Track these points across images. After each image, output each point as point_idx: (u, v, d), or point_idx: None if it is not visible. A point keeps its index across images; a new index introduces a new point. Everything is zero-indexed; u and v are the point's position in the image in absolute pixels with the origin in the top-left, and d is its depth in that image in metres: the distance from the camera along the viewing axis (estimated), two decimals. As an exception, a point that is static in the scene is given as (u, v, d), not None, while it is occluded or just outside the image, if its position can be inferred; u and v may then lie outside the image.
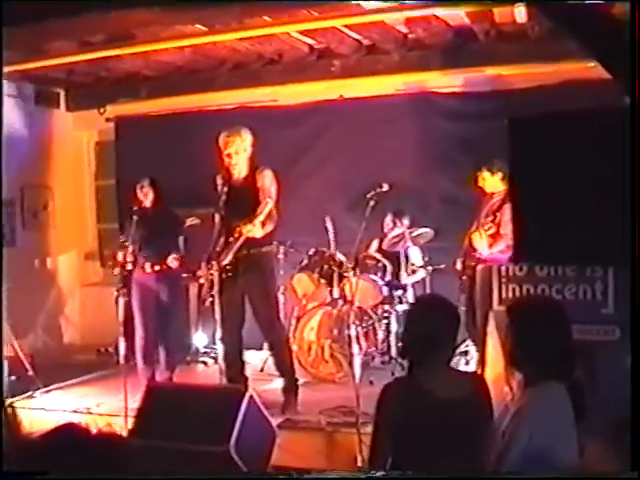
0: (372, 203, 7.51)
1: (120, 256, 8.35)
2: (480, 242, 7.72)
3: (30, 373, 8.72)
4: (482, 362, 6.92)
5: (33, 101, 11.34)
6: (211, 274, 7.29)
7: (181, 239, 8.66)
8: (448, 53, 9.46)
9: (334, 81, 10.17)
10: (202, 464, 5.68)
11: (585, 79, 7.98)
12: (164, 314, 8.51)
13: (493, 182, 7.87)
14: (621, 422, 4.28)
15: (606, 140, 4.33)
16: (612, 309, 5.83)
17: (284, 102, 10.70)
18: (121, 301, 7.62)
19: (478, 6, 7.84)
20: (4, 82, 10.08)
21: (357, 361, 6.80)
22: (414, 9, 7.84)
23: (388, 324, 9.07)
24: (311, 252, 9.13)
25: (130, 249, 8.34)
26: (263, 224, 7.35)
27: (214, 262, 7.29)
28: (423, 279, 9.33)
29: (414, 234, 9.10)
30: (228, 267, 7.44)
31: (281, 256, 9.17)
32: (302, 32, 8.99)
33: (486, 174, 7.88)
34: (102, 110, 11.50)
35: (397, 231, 9.23)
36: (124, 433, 6.28)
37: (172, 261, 8.35)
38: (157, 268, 8.40)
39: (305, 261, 9.18)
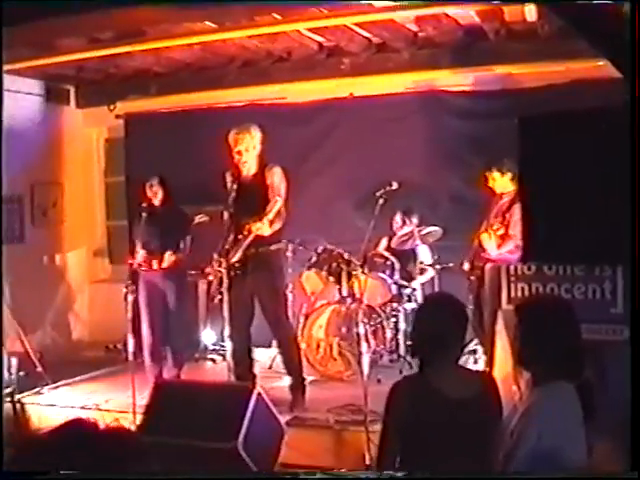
0: (381, 201, 7.52)
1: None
2: (489, 242, 7.72)
3: (39, 369, 8.74)
4: (490, 361, 6.92)
5: (43, 98, 11.35)
6: (220, 271, 7.30)
7: (188, 238, 8.65)
8: (458, 52, 9.44)
9: (344, 79, 10.17)
10: (210, 461, 5.69)
11: (595, 78, 7.97)
12: (171, 311, 8.53)
13: (503, 182, 7.85)
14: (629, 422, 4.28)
15: (615, 139, 4.32)
16: (621, 309, 5.82)
17: (293, 100, 10.69)
18: (130, 298, 7.63)
19: (488, 5, 7.84)
20: (14, 78, 10.12)
21: (365, 359, 6.79)
22: (424, 7, 7.84)
23: (397, 322, 9.06)
24: (320, 250, 9.12)
25: (138, 246, 8.36)
26: (271, 222, 7.35)
27: (223, 259, 7.29)
28: (432, 278, 9.32)
29: (423, 232, 9.09)
30: (237, 265, 7.45)
31: (290, 254, 9.15)
32: (312, 30, 8.99)
33: (496, 174, 7.86)
34: (112, 107, 11.50)
35: (406, 229, 9.23)
36: (132, 429, 6.29)
37: (169, 257, 8.37)
38: (164, 265, 8.42)
39: (314, 259, 9.16)
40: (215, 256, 7.44)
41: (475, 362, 8.36)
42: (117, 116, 11.54)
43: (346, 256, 8.83)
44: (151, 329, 8.47)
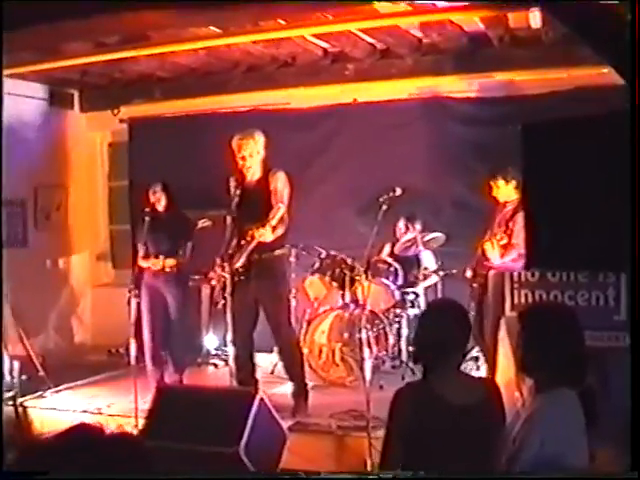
0: (385, 207, 7.50)
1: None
2: (492, 252, 7.71)
3: (41, 373, 8.75)
4: (493, 368, 6.92)
5: (47, 102, 11.36)
6: (223, 276, 7.30)
7: (189, 243, 8.64)
8: (462, 58, 9.45)
9: (348, 85, 10.18)
10: (212, 466, 5.69)
11: (599, 85, 7.97)
12: (173, 316, 8.53)
13: (507, 191, 7.83)
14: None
15: (619, 146, 4.31)
16: (624, 316, 5.82)
17: (297, 105, 10.70)
18: (133, 302, 7.64)
19: (491, 11, 7.84)
20: (18, 82, 10.14)
21: (368, 365, 6.78)
22: (429, 13, 7.85)
23: (399, 328, 9.07)
24: (323, 255, 9.12)
25: (141, 251, 8.37)
26: (274, 228, 7.35)
27: (226, 264, 7.29)
28: (435, 284, 9.32)
29: (426, 238, 9.09)
30: (240, 270, 7.46)
31: (293, 259, 9.15)
32: (316, 35, 9.00)
33: (500, 182, 7.84)
34: (116, 111, 11.52)
35: (409, 235, 9.23)
36: (137, 434, 6.29)
37: (168, 261, 8.38)
38: (161, 268, 8.42)
39: (317, 264, 9.17)
40: (218, 261, 7.45)
41: (477, 369, 8.36)
42: (121, 120, 11.55)
43: (349, 262, 8.83)
44: (152, 334, 8.47)
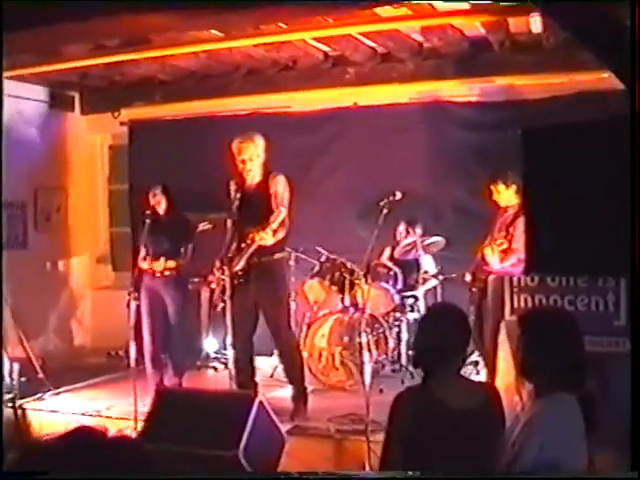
0: (385, 211, 7.50)
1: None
2: (492, 257, 7.71)
3: (40, 375, 8.75)
4: (492, 372, 6.91)
5: (48, 104, 11.37)
6: (223, 279, 7.30)
7: (190, 245, 8.64)
8: (463, 62, 9.46)
9: (348, 88, 10.19)
10: (211, 469, 5.69)
11: (599, 90, 7.97)
12: (172, 319, 8.53)
13: (507, 195, 7.83)
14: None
15: (619, 151, 4.32)
16: (624, 321, 5.82)
17: (298, 109, 10.70)
18: (133, 305, 7.63)
19: (493, 15, 7.85)
20: (19, 84, 10.14)
21: (367, 369, 6.79)
22: (430, 18, 7.85)
23: (399, 332, 9.07)
24: (323, 259, 9.13)
25: (141, 253, 8.37)
26: (275, 232, 7.36)
27: (226, 267, 7.29)
28: (434, 288, 9.33)
29: (426, 242, 9.10)
30: (240, 273, 7.46)
31: (292, 263, 9.15)
32: (317, 39, 9.01)
33: (501, 187, 7.84)
34: (116, 114, 11.53)
35: (410, 239, 9.23)
36: (131, 435, 6.29)
37: (167, 263, 8.38)
38: (160, 269, 8.42)
39: (317, 268, 9.18)
40: (218, 264, 7.45)
41: (477, 373, 8.35)
42: (121, 123, 11.56)
43: (349, 265, 8.83)
44: (152, 336, 8.48)
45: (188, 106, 11.01)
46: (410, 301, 9.22)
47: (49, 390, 8.62)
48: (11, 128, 9.69)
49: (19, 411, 8.11)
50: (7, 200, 9.54)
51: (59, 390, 8.75)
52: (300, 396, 7.83)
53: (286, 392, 8.06)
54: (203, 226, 9.31)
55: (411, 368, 8.46)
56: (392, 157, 9.85)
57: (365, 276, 8.08)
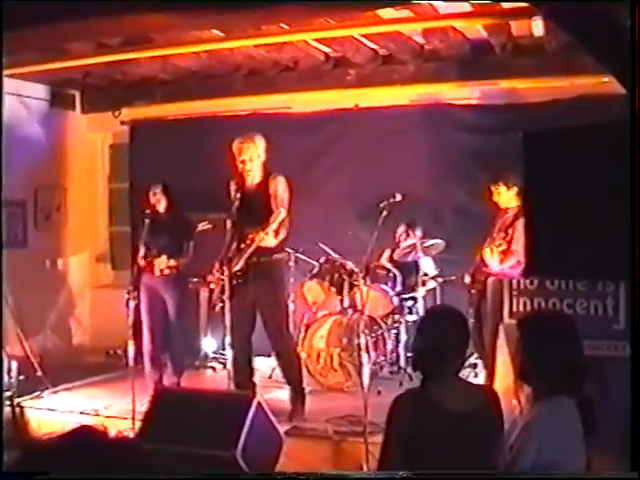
0: (385, 213, 7.51)
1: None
2: (491, 258, 7.72)
3: (39, 373, 8.75)
4: (491, 375, 6.92)
5: (49, 102, 11.36)
6: (222, 279, 7.30)
7: (191, 243, 8.64)
8: (464, 65, 9.45)
9: (349, 90, 10.18)
10: (208, 469, 5.69)
11: (600, 94, 7.98)
12: (172, 318, 8.53)
13: (508, 197, 7.84)
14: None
15: (620, 155, 4.32)
16: (623, 325, 5.82)
17: (299, 110, 10.70)
18: (131, 304, 7.63)
19: (495, 17, 7.86)
20: (20, 82, 10.14)
21: (366, 370, 6.77)
22: (431, 20, 7.85)
23: (397, 334, 9.07)
24: (322, 260, 9.13)
25: (141, 252, 8.37)
26: (276, 233, 7.37)
27: (225, 268, 7.29)
28: (434, 291, 9.32)
29: (425, 245, 9.10)
30: (239, 273, 7.45)
31: (292, 264, 9.15)
32: (318, 40, 9.01)
33: (502, 188, 7.85)
34: (117, 113, 11.52)
35: (409, 241, 9.23)
36: (131, 436, 6.29)
37: (167, 261, 8.37)
38: (162, 267, 8.41)
39: (316, 269, 9.18)
40: (217, 264, 7.46)
41: (475, 376, 8.36)
42: (122, 122, 11.55)
43: (348, 267, 8.83)
44: (152, 335, 8.48)
45: (189, 106, 11.02)
46: (409, 303, 9.22)
47: (47, 388, 8.62)
48: (12, 126, 9.68)
49: (17, 409, 8.11)
50: (7, 198, 9.53)
51: (57, 388, 8.75)
52: (298, 397, 7.82)
53: (284, 393, 8.06)
54: (202, 226, 9.30)
55: (409, 370, 8.46)
56: (392, 159, 9.85)
57: (364, 278, 8.08)
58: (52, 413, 8.10)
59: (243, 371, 7.69)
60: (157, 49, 8.61)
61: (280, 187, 7.64)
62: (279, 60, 9.98)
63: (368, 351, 7.19)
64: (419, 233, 9.26)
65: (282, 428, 6.57)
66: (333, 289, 9.03)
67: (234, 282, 7.35)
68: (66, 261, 11.74)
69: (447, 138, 9.83)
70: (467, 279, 8.18)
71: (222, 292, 7.33)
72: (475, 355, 8.25)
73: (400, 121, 9.96)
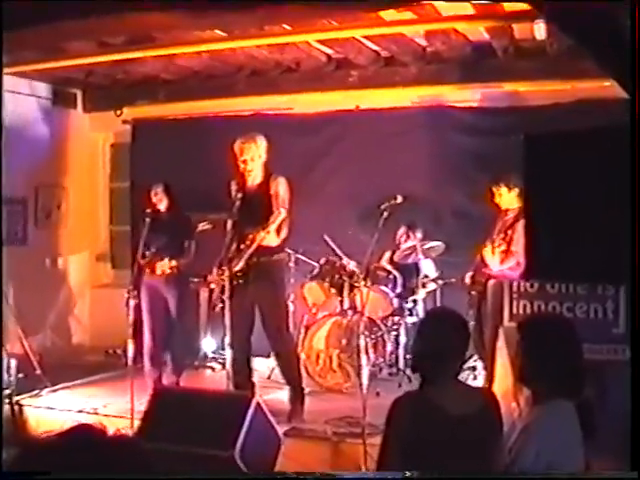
0: (385, 214, 7.50)
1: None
2: (491, 258, 7.73)
3: (38, 372, 8.75)
4: (490, 378, 6.92)
5: (50, 101, 11.37)
6: (222, 279, 7.30)
7: (193, 243, 8.64)
8: (466, 67, 9.46)
9: (351, 91, 10.18)
10: (207, 469, 5.69)
11: (601, 98, 7.98)
12: (172, 318, 8.53)
13: (509, 198, 7.85)
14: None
15: (621, 159, 4.32)
16: (623, 329, 5.83)
17: (300, 110, 10.71)
18: (131, 303, 7.63)
19: (497, 20, 7.86)
20: (22, 81, 10.15)
21: (365, 372, 6.78)
22: (434, 22, 7.86)
23: (397, 336, 9.07)
24: (322, 261, 9.14)
25: (141, 252, 8.36)
26: (278, 232, 7.38)
27: (225, 268, 7.29)
28: (434, 293, 9.32)
29: (426, 247, 9.10)
30: (239, 274, 7.45)
31: (292, 264, 9.16)
32: (321, 41, 9.01)
33: (503, 189, 7.86)
34: (119, 112, 11.52)
35: (410, 243, 9.23)
36: (129, 434, 6.28)
37: (169, 263, 8.37)
38: (165, 270, 8.41)
39: (316, 270, 9.19)
40: (217, 264, 7.46)
41: (474, 378, 8.35)
42: (124, 121, 11.55)
43: (349, 268, 8.83)
44: (152, 335, 8.48)
45: (191, 106, 11.03)
46: (409, 305, 9.22)
47: (46, 387, 8.62)
48: (13, 124, 9.69)
49: (16, 407, 8.12)
50: (8, 196, 9.54)
51: (56, 387, 8.75)
52: (297, 398, 7.82)
53: (283, 394, 8.06)
54: (203, 226, 9.30)
55: (409, 372, 8.45)
56: (394, 161, 9.85)
57: (364, 279, 8.08)
58: (51, 412, 8.10)
59: (242, 371, 7.69)
60: (160, 48, 8.62)
61: (281, 188, 7.64)
62: (281, 61, 9.98)
63: (367, 353, 7.19)
64: (419, 235, 9.26)
65: (281, 429, 6.57)
66: (333, 290, 9.04)
67: (234, 282, 7.35)
68: (66, 260, 11.75)
69: (448, 140, 9.84)
70: (467, 280, 8.19)
71: (222, 292, 7.33)
72: (475, 357, 8.25)
73: (401, 123, 9.96)
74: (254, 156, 7.62)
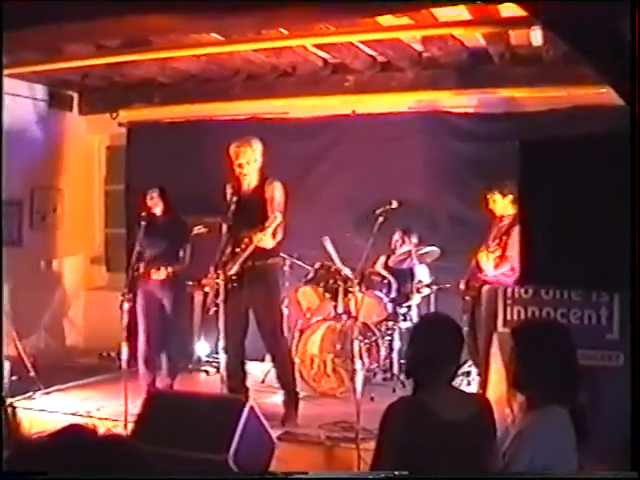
0: (381, 219, 7.50)
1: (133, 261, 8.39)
2: (486, 263, 7.74)
3: (32, 374, 8.73)
4: (484, 383, 6.92)
5: (46, 103, 11.36)
6: (217, 283, 7.30)
7: (188, 247, 8.63)
8: (462, 73, 9.47)
9: (347, 96, 10.19)
10: (200, 473, 5.68)
11: (597, 104, 8.00)
12: (167, 321, 8.53)
13: (503, 205, 7.87)
14: (624, 448, 4.27)
15: (615, 165, 4.33)
16: (617, 335, 5.83)
17: (296, 115, 10.71)
18: (126, 306, 7.63)
19: (494, 26, 7.87)
20: (18, 82, 10.14)
21: (359, 377, 6.78)
22: (430, 27, 7.86)
23: (391, 341, 9.07)
24: (317, 266, 9.13)
25: (136, 255, 8.35)
26: (273, 236, 7.37)
27: (220, 271, 7.29)
28: (428, 298, 9.31)
29: (421, 252, 9.09)
30: (234, 277, 7.46)
31: (287, 268, 9.16)
32: (317, 46, 9.02)
33: (497, 196, 7.88)
34: (115, 115, 11.52)
35: (405, 248, 9.23)
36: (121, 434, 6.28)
37: (166, 270, 8.36)
38: (162, 277, 8.41)
39: (311, 274, 9.19)
40: (212, 268, 7.46)
41: (469, 384, 8.35)
42: (120, 124, 11.55)
43: (343, 273, 8.83)
44: (147, 338, 8.47)
45: (187, 109, 11.03)
46: (403, 310, 9.21)
47: (40, 389, 8.60)
48: (9, 126, 9.68)
49: (9, 409, 8.10)
50: (3, 198, 9.52)
51: (50, 389, 8.74)
52: (291, 402, 7.82)
53: (277, 398, 8.06)
54: (198, 230, 9.30)
55: (403, 377, 8.46)
56: (389, 166, 9.86)
57: (359, 284, 8.08)
58: (44, 414, 8.09)
59: (236, 375, 7.69)
60: (156, 51, 8.61)
61: (276, 192, 7.64)
62: (278, 65, 9.99)
63: (361, 357, 7.20)
64: (414, 240, 9.25)
65: (275, 433, 6.57)
66: (327, 295, 9.04)
67: (229, 286, 7.36)
68: (61, 262, 11.74)
69: (444, 145, 9.84)
70: (462, 286, 8.19)
71: (216, 296, 7.33)
72: (469, 363, 8.25)
73: (398, 128, 9.97)
74: (249, 160, 7.62)
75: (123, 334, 7.59)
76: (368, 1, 5.60)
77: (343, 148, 10.30)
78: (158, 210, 8.61)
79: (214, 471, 5.74)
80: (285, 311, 8.72)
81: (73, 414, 7.93)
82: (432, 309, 9.25)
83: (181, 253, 8.57)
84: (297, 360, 8.54)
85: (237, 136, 7.80)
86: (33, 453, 1.72)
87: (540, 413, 3.77)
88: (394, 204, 7.70)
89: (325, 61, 9.90)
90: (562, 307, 6.01)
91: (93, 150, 12.19)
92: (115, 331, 8.07)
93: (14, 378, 8.45)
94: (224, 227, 7.66)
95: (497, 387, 5.89)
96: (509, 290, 6.37)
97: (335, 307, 8.99)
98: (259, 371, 9.17)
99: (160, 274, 8.36)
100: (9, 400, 8.13)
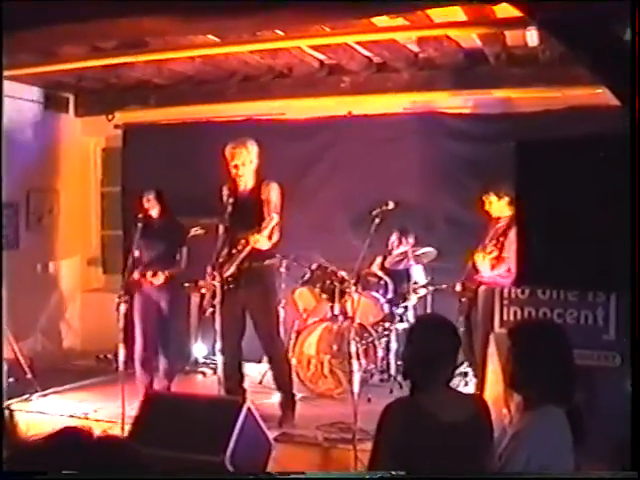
0: (377, 220, 7.51)
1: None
2: (482, 264, 7.73)
3: (29, 376, 8.73)
4: (481, 384, 6.92)
5: (42, 105, 11.35)
6: (213, 285, 7.30)
7: (184, 250, 8.63)
8: (458, 74, 9.47)
9: (343, 97, 10.18)
10: (197, 474, 5.68)
11: (593, 105, 8.01)
12: (164, 323, 8.52)
13: (499, 206, 7.87)
14: (620, 448, 4.28)
15: (612, 166, 4.33)
16: (613, 335, 5.84)
17: (292, 116, 10.71)
18: (122, 308, 7.62)
19: (490, 27, 7.87)
20: (14, 85, 10.12)
21: (356, 378, 6.78)
22: (426, 28, 7.86)
23: (388, 342, 9.06)
24: (314, 267, 9.13)
25: (132, 257, 8.34)
26: (270, 237, 7.37)
27: (217, 273, 7.29)
28: (424, 299, 9.31)
29: (417, 253, 9.10)
30: (230, 279, 7.45)
31: (283, 270, 9.16)
32: (313, 47, 9.01)
33: (493, 198, 7.88)
34: (110, 117, 11.51)
35: (401, 249, 9.23)
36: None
37: (163, 274, 8.36)
38: (159, 281, 8.40)
39: (307, 275, 9.18)
40: (209, 269, 7.45)
41: (466, 384, 8.36)
42: (115, 126, 11.54)
43: (340, 274, 8.83)
44: (144, 339, 8.46)
45: (183, 111, 11.01)
46: (399, 311, 9.21)
47: (37, 391, 8.60)
48: (4, 128, 9.66)
49: (6, 412, 8.09)
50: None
51: (47, 391, 8.73)
52: (288, 403, 7.83)
53: (274, 399, 8.06)
54: (195, 231, 9.30)
55: (400, 378, 8.45)
56: (385, 166, 9.86)
57: (355, 285, 8.08)
58: (41, 416, 8.09)
59: (233, 376, 7.69)
60: (152, 53, 8.60)
61: (273, 193, 7.64)
62: (274, 66, 9.98)
63: (358, 358, 7.18)
64: (411, 241, 9.26)
65: (272, 434, 6.58)
66: (324, 296, 9.03)
67: (225, 287, 7.35)
68: (57, 264, 11.72)
69: (440, 146, 9.84)
70: (458, 287, 8.19)
71: (213, 297, 7.33)
72: (466, 364, 8.25)
73: (393, 129, 9.96)
74: (245, 161, 7.62)
75: (120, 336, 7.57)
76: (364, 2, 5.60)
77: (339, 149, 10.30)
78: (154, 212, 8.61)
79: (211, 472, 5.74)
80: (282, 312, 8.71)
81: (70, 416, 7.94)
82: (429, 310, 9.26)
83: (177, 255, 8.56)
84: (294, 361, 8.55)
85: (233, 137, 7.80)
86: (30, 456, 1.73)
87: (537, 413, 3.77)
88: (390, 205, 7.70)
89: (321, 62, 9.90)
90: (558, 307, 6.01)
91: (89, 152, 12.17)
92: (112, 333, 8.06)
93: (11, 380, 8.45)
94: (220, 228, 7.68)
95: (494, 387, 5.89)
96: (505, 290, 6.37)
97: (332, 308, 8.99)
98: (256, 372, 9.17)
99: (158, 279, 8.37)
100: (6, 402, 8.12)
